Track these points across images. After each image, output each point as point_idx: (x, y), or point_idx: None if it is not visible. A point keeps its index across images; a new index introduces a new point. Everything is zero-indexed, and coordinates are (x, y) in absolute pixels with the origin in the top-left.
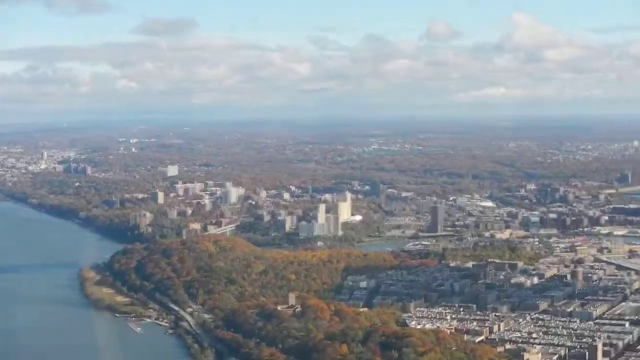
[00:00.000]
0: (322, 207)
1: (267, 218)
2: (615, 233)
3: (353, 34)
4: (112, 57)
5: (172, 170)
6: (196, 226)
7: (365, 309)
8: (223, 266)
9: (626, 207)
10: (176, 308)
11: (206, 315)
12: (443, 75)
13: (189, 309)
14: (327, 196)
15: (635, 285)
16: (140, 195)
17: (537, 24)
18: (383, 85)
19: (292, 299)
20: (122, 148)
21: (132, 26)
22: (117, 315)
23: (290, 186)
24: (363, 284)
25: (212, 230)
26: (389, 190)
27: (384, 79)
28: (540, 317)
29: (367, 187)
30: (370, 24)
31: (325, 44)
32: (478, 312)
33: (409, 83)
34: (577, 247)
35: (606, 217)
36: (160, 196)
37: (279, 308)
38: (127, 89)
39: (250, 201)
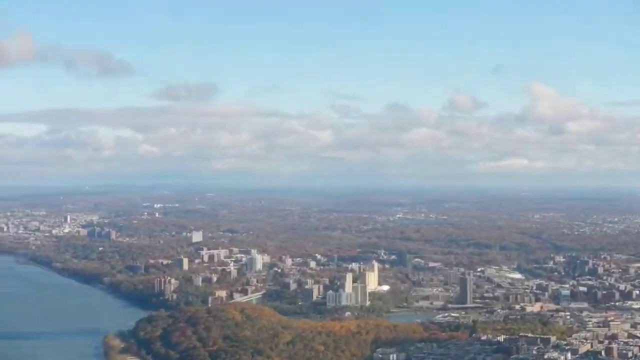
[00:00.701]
0: (349, 277)
1: (293, 286)
2: None
3: (375, 102)
4: (134, 122)
5: (197, 236)
6: (222, 294)
7: None
8: (250, 336)
9: None
10: None
11: None
12: (464, 145)
13: None
14: (354, 265)
15: None
16: (164, 261)
17: (559, 95)
18: (403, 154)
19: None
20: (145, 213)
21: (153, 90)
22: None
23: (316, 254)
24: (393, 357)
25: (238, 298)
26: (416, 260)
27: (405, 148)
28: None
29: (393, 256)
30: (393, 92)
31: (347, 112)
32: None
33: (429, 152)
34: (610, 322)
35: (638, 292)
36: (185, 262)
37: None
38: (148, 154)
39: (276, 269)
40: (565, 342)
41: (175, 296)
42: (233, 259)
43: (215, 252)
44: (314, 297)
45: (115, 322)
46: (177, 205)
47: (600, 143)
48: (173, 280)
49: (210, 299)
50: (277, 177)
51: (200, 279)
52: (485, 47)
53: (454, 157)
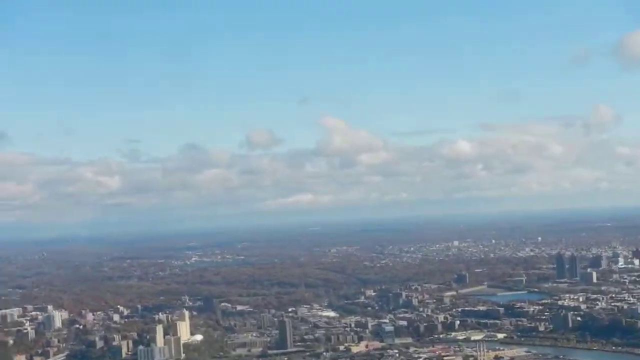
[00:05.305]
0: (159, 329)
1: (99, 344)
2: (472, 338)
3: (169, 145)
4: None
5: None
6: (21, 359)
7: None
8: None
9: (476, 309)
10: None
11: None
12: (254, 184)
13: None
14: (162, 315)
15: None
16: None
17: (351, 128)
18: (193, 197)
19: None
20: None
21: None
22: None
23: (118, 306)
24: None
25: None
26: (223, 304)
27: (195, 190)
28: None
29: (198, 302)
30: (188, 134)
31: (137, 156)
32: None
33: (219, 193)
34: (444, 357)
35: (458, 322)
36: None
37: None
38: None
39: (77, 325)
40: None
41: None
42: (28, 318)
43: (7, 311)
44: (123, 355)
45: None
46: None
47: (387, 174)
48: None
49: None
50: (61, 227)
51: None
52: (292, 79)
53: (244, 196)
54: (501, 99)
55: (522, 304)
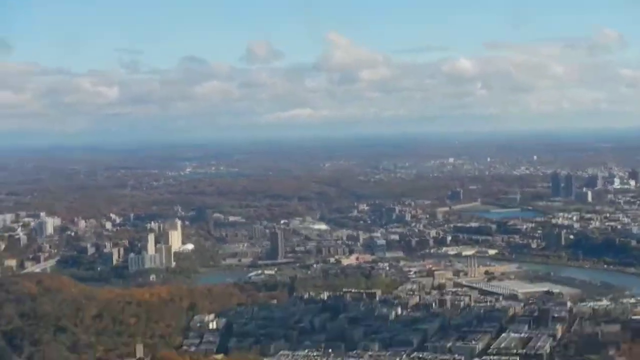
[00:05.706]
0: (151, 237)
1: (91, 251)
2: (464, 254)
3: (169, 57)
4: None
5: None
6: (12, 263)
7: (221, 355)
8: (50, 311)
9: (468, 225)
10: None
11: None
12: (254, 97)
13: None
14: (153, 224)
15: (510, 312)
16: None
17: (354, 43)
18: (192, 108)
19: (139, 350)
20: None
21: None
22: None
23: (111, 214)
24: (212, 325)
25: (30, 267)
26: (216, 215)
27: (194, 102)
28: (420, 355)
29: (191, 212)
30: (189, 45)
31: (136, 67)
32: (349, 353)
33: (218, 105)
34: (435, 271)
35: (450, 237)
36: None
37: None
38: None
39: (69, 232)
40: (392, 296)
41: None
42: (20, 224)
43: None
44: (114, 261)
45: None
46: None
47: (386, 91)
48: None
49: None
50: (60, 135)
51: None
52: None
53: (242, 109)
54: (508, 20)
55: (515, 221)
